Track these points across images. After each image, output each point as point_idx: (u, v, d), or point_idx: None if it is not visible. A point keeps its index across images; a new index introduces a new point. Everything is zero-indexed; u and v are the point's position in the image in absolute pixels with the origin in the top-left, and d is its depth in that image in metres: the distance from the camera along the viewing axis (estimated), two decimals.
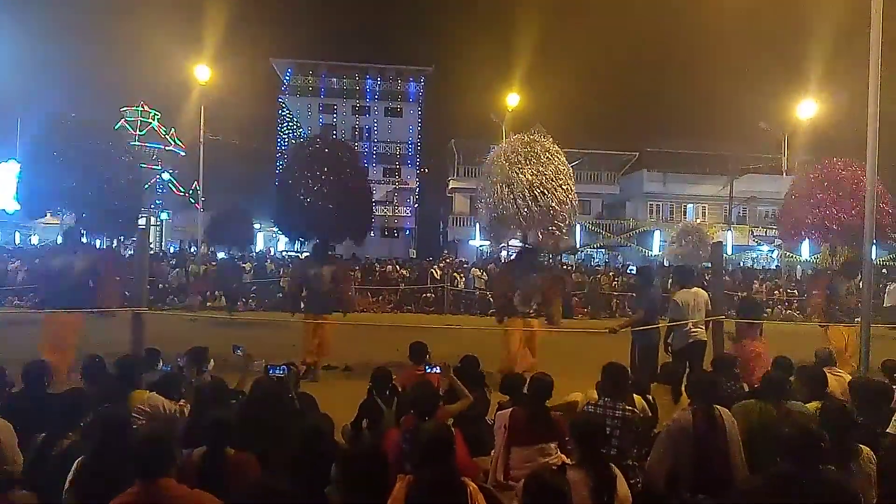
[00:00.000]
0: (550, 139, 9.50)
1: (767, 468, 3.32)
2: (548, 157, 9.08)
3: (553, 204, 8.78)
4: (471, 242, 35.17)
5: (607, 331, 8.34)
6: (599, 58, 57.66)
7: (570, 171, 9.36)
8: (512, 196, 8.82)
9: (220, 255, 24.33)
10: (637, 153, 37.67)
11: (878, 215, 9.34)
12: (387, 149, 42.45)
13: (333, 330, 9.50)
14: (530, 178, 8.77)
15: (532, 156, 9.03)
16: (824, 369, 5.20)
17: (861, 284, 6.92)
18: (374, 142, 42.67)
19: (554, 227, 8.92)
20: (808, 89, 25.77)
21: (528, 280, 9.10)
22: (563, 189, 8.91)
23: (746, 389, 5.29)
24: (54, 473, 3.17)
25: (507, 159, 9.14)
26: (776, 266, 30.72)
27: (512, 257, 10.02)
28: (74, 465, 3.13)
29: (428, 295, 21.13)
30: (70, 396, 3.84)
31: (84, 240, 9.11)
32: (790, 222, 10.24)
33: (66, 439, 3.43)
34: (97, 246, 11.01)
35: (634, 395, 4.76)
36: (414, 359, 5.97)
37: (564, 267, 26.17)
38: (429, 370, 5.18)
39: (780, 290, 23.66)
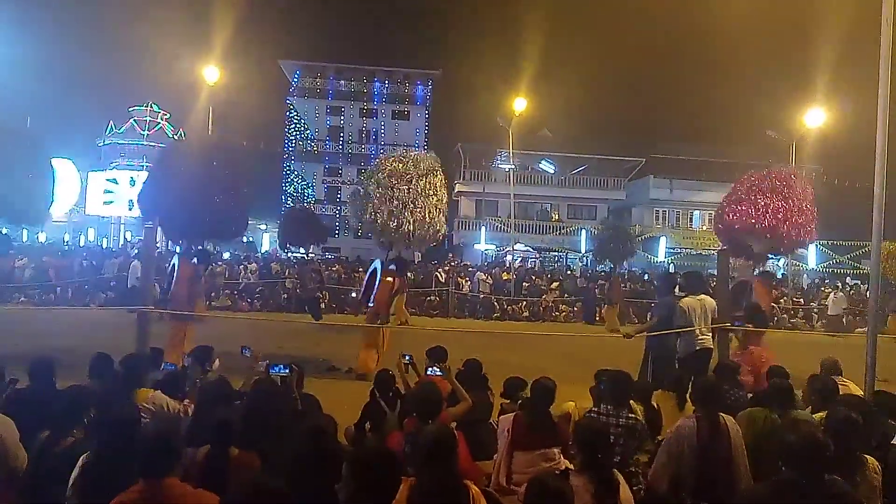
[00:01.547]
0: (430, 157, 10.63)
1: (771, 476, 3.30)
2: (422, 174, 10.04)
3: (425, 216, 9.84)
4: (476, 246, 35.16)
5: (623, 336, 8.40)
6: (607, 63, 57.71)
7: (442, 183, 10.41)
8: (387, 211, 9.72)
9: (226, 255, 24.38)
10: (644, 159, 37.62)
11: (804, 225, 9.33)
12: (393, 151, 42.51)
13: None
14: (403, 196, 9.77)
15: (405, 174, 9.97)
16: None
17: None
18: (381, 144, 42.76)
19: (427, 235, 10.00)
20: (816, 97, 25.69)
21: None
22: (433, 202, 9.99)
23: (750, 397, 5.27)
24: (58, 470, 3.18)
25: (380, 181, 10.02)
26: (782, 274, 30.59)
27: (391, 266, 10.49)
28: (79, 462, 3.14)
29: (432, 298, 21.12)
30: (72, 393, 3.86)
31: None
32: (726, 235, 9.99)
33: (70, 436, 3.44)
34: None
35: (633, 401, 4.74)
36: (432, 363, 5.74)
37: (570, 272, 26.17)
38: (430, 373, 5.16)
39: (786, 298, 23.55)
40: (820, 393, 4.73)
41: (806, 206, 9.51)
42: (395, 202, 9.76)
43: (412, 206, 9.78)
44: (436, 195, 10.10)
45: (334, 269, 22.52)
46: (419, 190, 9.90)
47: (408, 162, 10.16)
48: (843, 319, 20.47)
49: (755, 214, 9.34)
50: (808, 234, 9.51)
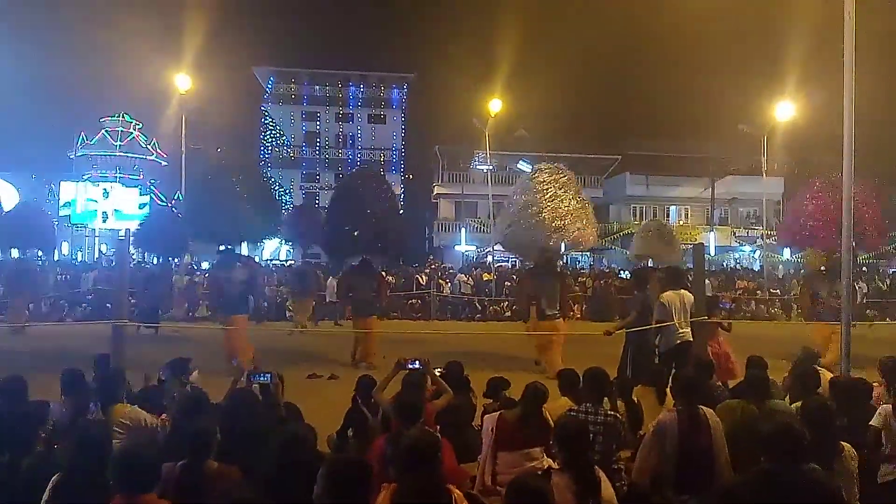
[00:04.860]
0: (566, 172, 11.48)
1: (751, 467, 3.34)
2: (564, 186, 10.96)
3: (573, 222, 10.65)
4: (456, 248, 35.16)
5: (604, 333, 8.45)
6: (580, 62, 58.05)
7: (584, 196, 11.38)
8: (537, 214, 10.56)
9: (205, 264, 24.05)
10: (619, 156, 37.95)
11: (863, 224, 10.69)
12: (371, 156, 42.39)
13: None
14: (554, 202, 10.64)
15: (551, 185, 10.91)
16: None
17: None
18: (359, 149, 42.62)
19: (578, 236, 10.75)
20: (786, 91, 26.10)
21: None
22: (581, 208, 10.90)
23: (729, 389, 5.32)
24: (24, 489, 3.11)
25: (530, 188, 11.04)
26: (760, 266, 31.08)
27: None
28: (51, 482, 3.08)
29: (414, 301, 21.07)
30: (28, 410, 3.79)
31: None
32: (793, 234, 11.83)
33: (31, 454, 3.38)
34: None
35: (613, 397, 4.76)
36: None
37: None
38: (410, 366, 5.03)
39: (763, 290, 23.87)
40: (802, 382, 4.78)
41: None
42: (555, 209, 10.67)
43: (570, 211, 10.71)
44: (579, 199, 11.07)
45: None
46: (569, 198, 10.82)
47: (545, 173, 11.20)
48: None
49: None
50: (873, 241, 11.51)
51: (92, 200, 32.68)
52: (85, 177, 34.65)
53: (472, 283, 22.23)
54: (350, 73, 43.01)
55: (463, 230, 34.66)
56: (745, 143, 30.36)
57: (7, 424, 3.73)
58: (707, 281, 21.72)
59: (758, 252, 33.82)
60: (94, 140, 35.30)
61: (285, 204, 41.08)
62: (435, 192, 38.84)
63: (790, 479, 3.00)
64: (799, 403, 4.22)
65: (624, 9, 55.39)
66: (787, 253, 30.31)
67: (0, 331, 13.62)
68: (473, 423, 5.25)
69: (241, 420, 3.86)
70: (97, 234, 34.58)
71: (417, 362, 4.95)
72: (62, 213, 32.69)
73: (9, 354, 9.52)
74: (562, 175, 11.15)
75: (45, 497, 3.02)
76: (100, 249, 34.15)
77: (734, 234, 36.76)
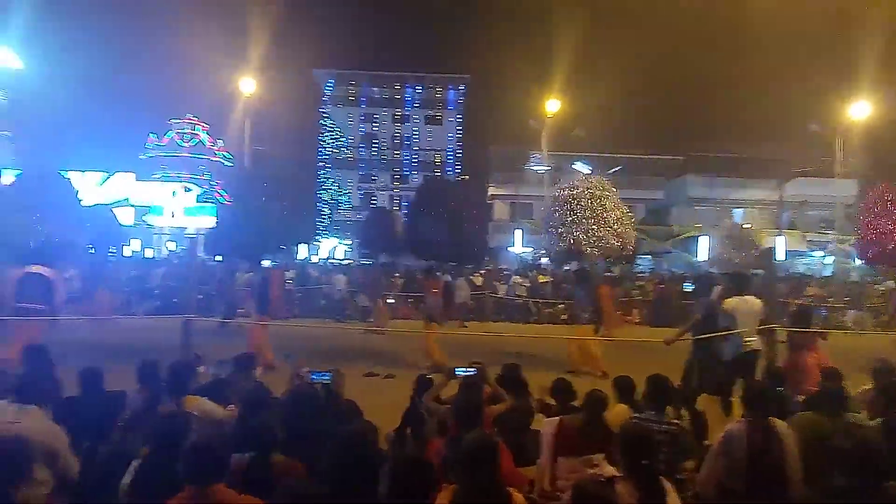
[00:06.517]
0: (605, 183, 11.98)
1: (823, 483, 3.19)
2: (602, 197, 11.39)
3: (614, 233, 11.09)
4: (510, 249, 34.99)
5: (664, 342, 8.22)
6: (642, 61, 56.93)
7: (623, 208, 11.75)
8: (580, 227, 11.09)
9: (266, 262, 24.69)
10: (682, 157, 36.98)
11: None
12: (427, 156, 42.81)
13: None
14: (589, 214, 11.13)
15: (590, 197, 11.33)
16: None
17: None
18: (415, 150, 43.09)
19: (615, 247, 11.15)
20: (861, 89, 24.83)
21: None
22: (621, 220, 11.34)
23: (802, 400, 5.09)
24: (104, 475, 3.26)
25: (569, 201, 11.47)
26: (833, 272, 29.66)
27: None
28: (132, 466, 3.23)
29: (469, 302, 21.06)
30: (107, 400, 3.97)
31: None
32: (872, 238, 11.53)
33: (109, 442, 3.54)
34: None
35: (677, 406, 4.63)
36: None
37: (609, 273, 25.75)
38: (459, 372, 4.99)
39: (834, 297, 22.72)
40: (887, 396, 4.52)
41: None
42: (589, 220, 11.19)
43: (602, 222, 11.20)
44: (619, 209, 11.54)
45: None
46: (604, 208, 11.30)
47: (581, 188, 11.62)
48: None
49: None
50: None
51: (156, 210, 34.07)
52: (154, 177, 36.18)
53: (527, 286, 22.05)
54: (407, 75, 43.54)
55: (518, 232, 34.48)
56: (816, 143, 29.13)
57: (86, 413, 3.93)
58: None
59: (830, 258, 32.33)
60: (163, 140, 36.84)
61: (342, 204, 42.00)
62: (490, 194, 38.79)
63: (867, 498, 2.86)
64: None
65: (689, 7, 53.97)
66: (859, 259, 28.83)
67: (80, 324, 14.31)
68: (531, 426, 5.21)
69: (303, 415, 3.94)
70: (166, 231, 36.08)
71: (472, 369, 4.94)
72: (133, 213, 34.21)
73: (89, 346, 9.99)
74: (597, 187, 11.55)
75: (125, 479, 3.17)
76: (167, 247, 35.62)
77: (805, 238, 35.27)
